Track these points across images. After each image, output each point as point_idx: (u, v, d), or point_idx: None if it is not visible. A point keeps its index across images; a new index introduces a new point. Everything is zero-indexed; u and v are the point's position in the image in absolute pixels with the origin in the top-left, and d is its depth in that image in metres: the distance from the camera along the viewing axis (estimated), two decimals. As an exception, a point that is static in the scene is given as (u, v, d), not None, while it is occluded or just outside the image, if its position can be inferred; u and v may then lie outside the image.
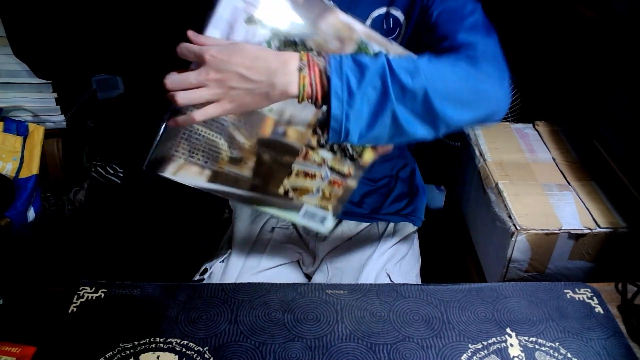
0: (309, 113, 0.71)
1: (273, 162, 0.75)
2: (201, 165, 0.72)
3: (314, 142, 0.74)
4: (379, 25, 0.79)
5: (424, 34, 0.77)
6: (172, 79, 0.60)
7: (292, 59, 0.62)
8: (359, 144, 0.68)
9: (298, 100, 0.63)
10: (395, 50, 0.70)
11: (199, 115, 0.62)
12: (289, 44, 0.68)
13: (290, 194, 0.78)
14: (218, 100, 0.62)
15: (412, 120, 0.62)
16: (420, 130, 0.63)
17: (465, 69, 0.65)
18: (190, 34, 0.62)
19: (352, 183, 0.78)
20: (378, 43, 0.69)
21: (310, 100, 0.62)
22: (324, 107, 0.63)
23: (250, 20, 0.66)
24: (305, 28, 0.68)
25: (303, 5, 0.67)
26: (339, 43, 0.68)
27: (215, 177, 0.74)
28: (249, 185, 0.76)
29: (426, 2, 0.76)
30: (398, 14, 0.79)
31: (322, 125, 0.72)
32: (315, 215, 0.81)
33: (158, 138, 0.69)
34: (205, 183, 0.74)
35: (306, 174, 0.76)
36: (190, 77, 0.60)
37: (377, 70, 0.60)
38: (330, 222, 0.81)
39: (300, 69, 0.61)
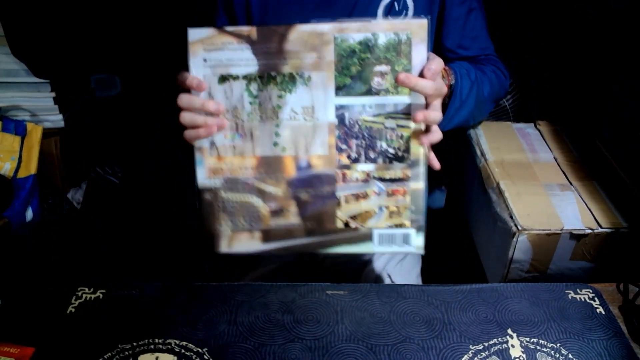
0: (324, 134, 0.69)
1: (314, 198, 0.72)
2: (248, 230, 0.73)
3: (344, 160, 0.70)
4: (388, 10, 0.80)
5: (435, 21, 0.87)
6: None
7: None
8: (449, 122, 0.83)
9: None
10: (379, 26, 0.67)
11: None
12: (268, 80, 0.68)
13: (352, 224, 0.72)
14: None
15: (474, 111, 0.88)
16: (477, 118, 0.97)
17: (497, 72, 0.90)
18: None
19: (418, 185, 0.71)
20: (355, 30, 0.67)
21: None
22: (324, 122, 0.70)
23: (222, 79, 0.68)
24: (274, 58, 0.68)
25: (260, 40, 0.67)
26: (315, 53, 0.68)
27: (267, 236, 0.73)
28: (304, 232, 0.73)
29: None
30: None
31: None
32: (394, 237, 0.74)
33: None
34: (261, 245, 0.73)
35: (357, 197, 0.71)
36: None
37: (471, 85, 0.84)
38: (415, 238, 0.73)
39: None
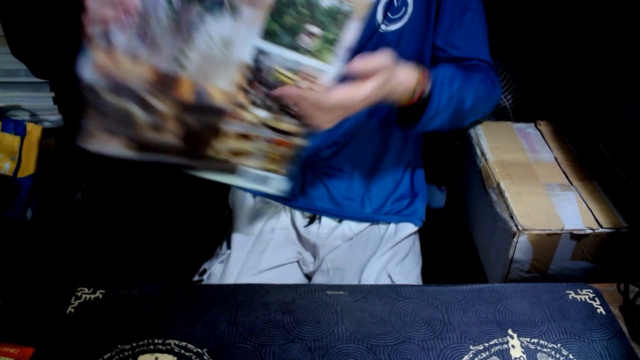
0: (232, 70, 0.65)
1: (199, 125, 0.68)
2: (120, 136, 0.69)
3: (244, 100, 0.67)
4: (387, 5, 0.79)
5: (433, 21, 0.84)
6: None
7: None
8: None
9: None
10: None
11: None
12: None
13: (232, 159, 0.71)
14: None
15: (451, 119, 0.82)
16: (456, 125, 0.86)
17: (487, 83, 0.84)
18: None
19: (301, 141, 0.71)
20: None
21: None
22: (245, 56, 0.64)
23: None
24: None
25: None
26: None
27: (139, 147, 0.69)
28: (178, 152, 0.70)
29: None
30: None
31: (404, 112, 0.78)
32: (267, 179, 0.74)
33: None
34: (130, 152, 0.70)
35: (242, 136, 0.69)
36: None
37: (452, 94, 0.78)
38: (283, 183, 0.74)
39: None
